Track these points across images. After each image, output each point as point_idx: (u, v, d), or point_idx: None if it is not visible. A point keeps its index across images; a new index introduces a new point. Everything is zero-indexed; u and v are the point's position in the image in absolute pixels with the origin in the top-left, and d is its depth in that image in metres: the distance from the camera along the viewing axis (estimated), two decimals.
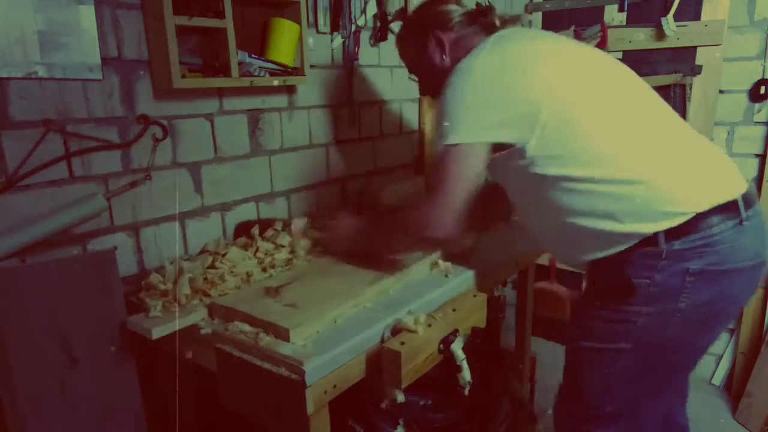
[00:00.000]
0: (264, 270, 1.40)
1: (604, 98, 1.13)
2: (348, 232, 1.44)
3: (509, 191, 1.29)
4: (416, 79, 1.49)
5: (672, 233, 1.04)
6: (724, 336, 2.47)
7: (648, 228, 1.05)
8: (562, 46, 1.21)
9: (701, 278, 1.05)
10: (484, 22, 1.28)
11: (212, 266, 1.39)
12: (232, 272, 1.36)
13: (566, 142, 1.09)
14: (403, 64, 1.48)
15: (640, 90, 1.19)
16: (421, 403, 1.63)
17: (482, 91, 1.12)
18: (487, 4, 1.35)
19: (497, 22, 1.27)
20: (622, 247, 1.09)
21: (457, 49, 1.27)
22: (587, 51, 1.23)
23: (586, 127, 1.09)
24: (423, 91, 1.51)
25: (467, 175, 1.12)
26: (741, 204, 1.07)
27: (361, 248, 1.40)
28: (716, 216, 1.04)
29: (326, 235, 1.52)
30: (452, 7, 1.32)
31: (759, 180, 2.28)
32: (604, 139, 1.09)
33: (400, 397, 1.31)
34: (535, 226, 1.29)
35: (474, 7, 1.33)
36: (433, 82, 1.30)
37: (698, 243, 1.04)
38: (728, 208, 1.06)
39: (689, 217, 1.04)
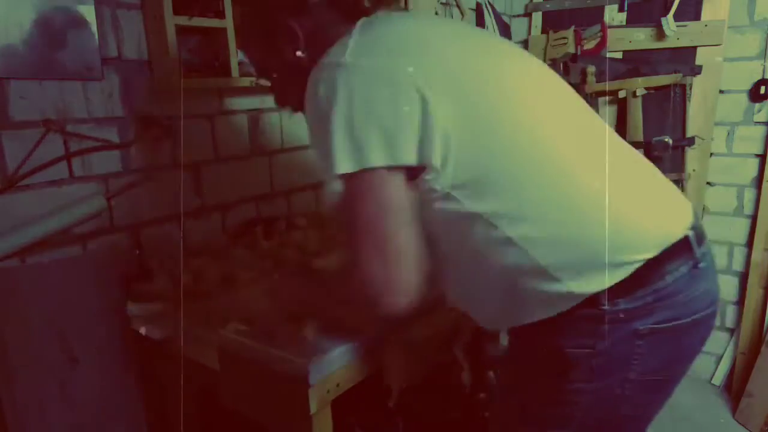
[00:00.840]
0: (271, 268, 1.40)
1: (522, 112, 0.84)
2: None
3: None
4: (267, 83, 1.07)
5: (616, 289, 0.80)
6: (724, 336, 2.48)
7: (588, 286, 0.80)
8: (454, 31, 0.92)
9: (652, 340, 0.83)
10: (348, 4, 0.94)
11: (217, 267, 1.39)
12: (233, 272, 1.36)
13: (481, 167, 0.81)
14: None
15: (562, 98, 0.91)
16: (422, 403, 1.63)
17: (366, 97, 0.77)
18: None
19: (366, 4, 0.93)
20: (554, 311, 0.83)
21: (316, 42, 0.90)
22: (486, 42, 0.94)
23: (503, 148, 0.81)
24: (278, 101, 1.07)
25: (390, 207, 0.78)
26: (693, 241, 0.84)
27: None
28: (669, 262, 0.82)
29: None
30: None
31: (759, 180, 2.28)
32: (526, 166, 0.81)
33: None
34: (455, 283, 0.95)
35: None
36: (287, 88, 1.01)
37: (648, 299, 0.81)
38: (680, 249, 0.83)
39: (637, 266, 0.80)
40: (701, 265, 0.85)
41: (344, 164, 0.77)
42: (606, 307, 0.80)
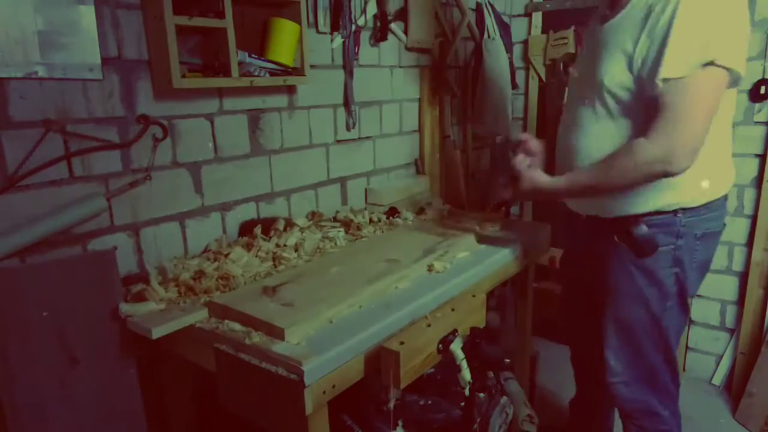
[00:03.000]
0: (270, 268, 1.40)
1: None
2: (541, 183, 1.37)
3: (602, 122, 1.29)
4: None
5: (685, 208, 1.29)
6: (724, 336, 2.48)
7: (688, 199, 1.28)
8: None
9: (702, 240, 1.31)
10: None
11: (217, 267, 1.39)
12: (233, 271, 1.36)
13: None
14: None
15: None
16: (421, 403, 1.63)
17: (740, 19, 1.15)
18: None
19: None
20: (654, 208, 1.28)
21: None
22: None
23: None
24: None
25: (715, 105, 1.15)
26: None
27: (563, 195, 1.42)
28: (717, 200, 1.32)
29: (522, 186, 1.40)
30: None
31: (759, 180, 2.28)
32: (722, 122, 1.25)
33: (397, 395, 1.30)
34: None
35: None
36: None
37: (702, 215, 1.30)
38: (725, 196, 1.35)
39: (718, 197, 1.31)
40: (725, 199, 1.35)
41: (721, 57, 1.12)
42: (681, 218, 1.28)
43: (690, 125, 1.13)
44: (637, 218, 1.29)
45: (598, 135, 1.30)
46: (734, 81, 1.17)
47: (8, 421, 1.13)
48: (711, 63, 1.11)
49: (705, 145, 1.16)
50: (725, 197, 1.35)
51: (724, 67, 1.12)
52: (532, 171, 1.40)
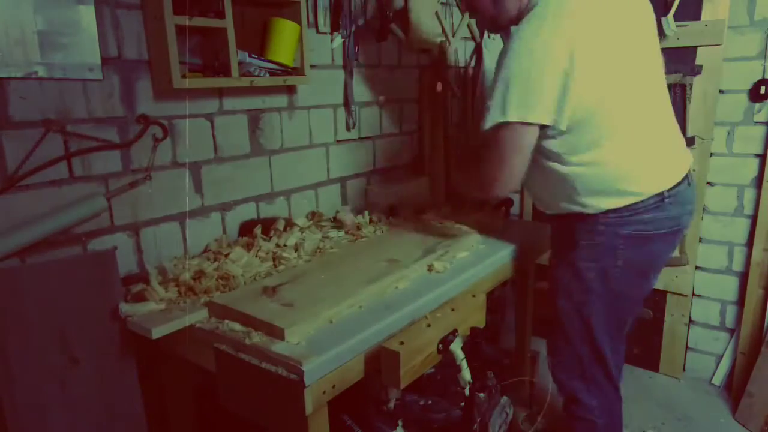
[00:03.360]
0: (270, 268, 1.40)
1: (630, 95, 1.29)
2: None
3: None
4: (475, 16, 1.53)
5: (613, 210, 1.33)
6: (724, 336, 2.48)
7: (604, 204, 1.33)
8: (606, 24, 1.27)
9: (628, 240, 1.34)
10: None
11: (217, 267, 1.39)
12: (233, 271, 1.36)
13: (589, 132, 1.27)
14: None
15: (648, 71, 1.35)
16: (421, 403, 1.63)
17: (540, 74, 1.20)
18: None
19: None
20: (576, 211, 1.37)
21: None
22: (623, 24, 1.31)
23: (601, 127, 1.27)
24: (481, 25, 1.60)
25: (525, 150, 1.27)
26: (665, 189, 1.34)
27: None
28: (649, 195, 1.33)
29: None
30: None
31: (759, 180, 2.27)
32: (607, 135, 1.28)
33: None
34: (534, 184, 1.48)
35: None
36: (490, 15, 1.41)
37: (625, 215, 1.33)
38: (659, 192, 1.34)
39: (640, 198, 1.32)
40: (666, 200, 1.33)
41: (512, 114, 1.22)
42: (601, 218, 1.34)
43: (492, 167, 1.29)
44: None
45: None
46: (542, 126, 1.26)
47: (8, 421, 1.13)
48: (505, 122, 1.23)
49: (612, 154, 1.29)
50: (661, 199, 1.33)
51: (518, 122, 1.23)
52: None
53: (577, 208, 1.37)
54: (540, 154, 1.33)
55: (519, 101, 1.20)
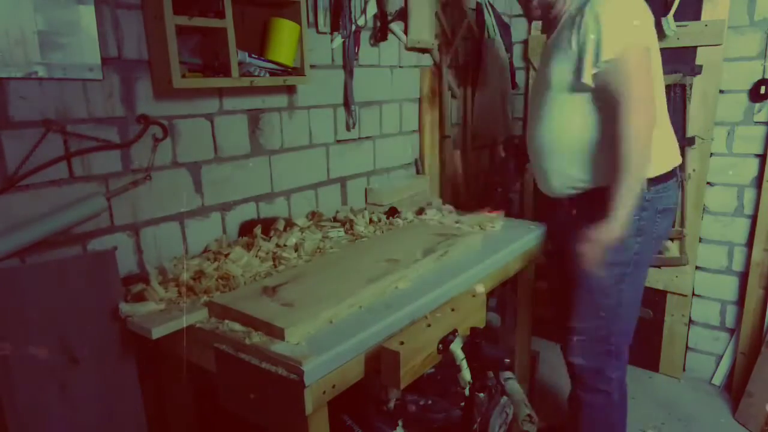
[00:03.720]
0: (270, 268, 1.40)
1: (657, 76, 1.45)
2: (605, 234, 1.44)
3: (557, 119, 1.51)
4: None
5: (652, 182, 1.46)
6: (724, 336, 2.48)
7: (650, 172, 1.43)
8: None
9: (662, 215, 1.51)
10: None
11: (216, 267, 1.39)
12: (233, 271, 1.36)
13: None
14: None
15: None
16: (421, 403, 1.63)
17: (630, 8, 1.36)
18: None
19: None
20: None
21: None
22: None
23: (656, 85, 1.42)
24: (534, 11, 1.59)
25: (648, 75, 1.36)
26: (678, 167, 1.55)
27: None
28: (671, 174, 1.51)
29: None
30: None
31: (759, 180, 2.27)
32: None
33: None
34: (564, 145, 1.52)
35: None
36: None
37: (661, 191, 1.48)
38: (675, 170, 1.53)
39: (668, 170, 1.49)
40: (678, 179, 1.56)
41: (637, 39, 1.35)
42: (644, 196, 1.45)
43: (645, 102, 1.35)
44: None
45: (556, 121, 1.52)
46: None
47: (8, 421, 1.13)
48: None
49: (659, 119, 1.42)
50: (675, 174, 1.53)
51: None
52: (593, 232, 1.44)
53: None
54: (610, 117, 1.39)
55: (626, 25, 1.32)
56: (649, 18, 1.41)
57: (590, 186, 1.51)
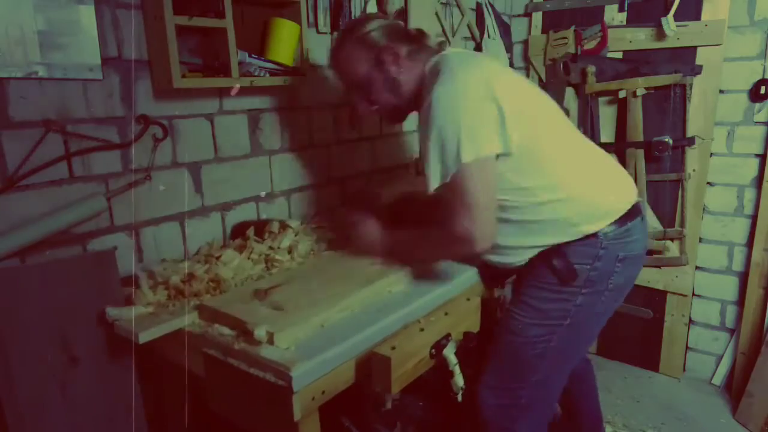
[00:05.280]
0: (262, 271, 1.39)
1: (553, 127, 1.31)
2: (375, 241, 1.42)
3: None
4: (356, 96, 1.42)
5: (605, 230, 1.28)
6: (724, 336, 2.48)
7: (592, 228, 1.26)
8: (510, 77, 1.31)
9: (624, 263, 1.30)
10: (423, 42, 1.37)
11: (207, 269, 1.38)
12: (224, 274, 1.34)
13: (533, 166, 1.24)
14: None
15: (562, 116, 1.37)
16: (419, 404, 1.63)
17: (476, 110, 1.18)
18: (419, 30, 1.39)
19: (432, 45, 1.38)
20: (568, 239, 1.27)
21: (412, 65, 1.33)
22: (524, 81, 1.37)
23: (546, 155, 1.26)
24: (384, 113, 1.45)
25: (491, 186, 1.20)
26: (641, 204, 1.35)
27: (389, 256, 1.41)
28: (631, 215, 1.30)
29: (353, 241, 1.47)
30: (399, 22, 1.39)
31: (759, 180, 2.28)
32: (557, 163, 1.27)
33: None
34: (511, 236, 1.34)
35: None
36: (387, 100, 1.37)
37: (622, 236, 1.28)
38: (636, 208, 1.33)
39: (619, 215, 1.28)
40: (644, 219, 1.35)
41: (465, 155, 1.16)
42: (600, 240, 1.26)
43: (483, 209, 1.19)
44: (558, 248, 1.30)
45: None
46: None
47: (8, 421, 1.13)
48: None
49: (571, 178, 1.27)
50: (635, 214, 1.32)
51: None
52: (365, 224, 1.44)
53: (570, 235, 1.27)
54: (516, 202, 1.26)
55: (467, 142, 1.15)
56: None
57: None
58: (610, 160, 1.41)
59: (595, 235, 1.26)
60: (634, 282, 1.39)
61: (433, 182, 1.20)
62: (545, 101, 1.34)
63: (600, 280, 1.29)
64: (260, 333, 1.03)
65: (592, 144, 1.40)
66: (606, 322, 1.41)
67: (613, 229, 1.27)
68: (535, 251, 1.31)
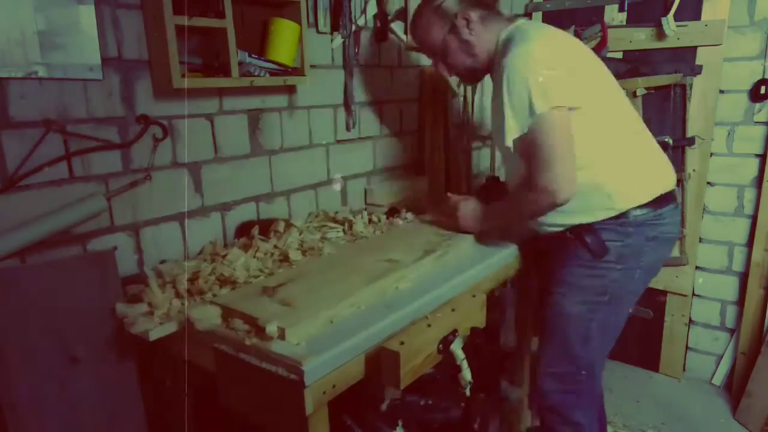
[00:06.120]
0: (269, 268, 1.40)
1: (611, 99, 1.41)
2: (474, 215, 1.58)
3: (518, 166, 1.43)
4: (435, 59, 1.55)
5: (637, 209, 1.38)
6: (724, 336, 2.48)
7: (624, 204, 1.37)
8: (580, 47, 1.43)
9: (654, 243, 1.40)
10: (494, 7, 1.49)
11: (213, 268, 1.39)
12: (231, 272, 1.35)
13: (588, 132, 1.33)
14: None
15: (619, 90, 1.46)
16: (422, 403, 1.63)
17: (547, 68, 1.27)
18: None
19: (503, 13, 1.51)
20: (603, 217, 1.38)
21: (484, 30, 1.44)
22: (590, 54, 1.45)
23: (602, 124, 1.36)
24: (461, 73, 1.56)
25: (567, 137, 1.28)
26: (677, 190, 1.45)
27: (489, 227, 1.58)
28: (665, 200, 1.40)
29: (453, 218, 1.62)
30: None
31: (759, 180, 2.28)
32: (608, 135, 1.37)
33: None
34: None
35: None
36: (463, 61, 1.48)
37: (653, 215, 1.38)
38: (671, 194, 1.42)
39: (653, 198, 1.38)
40: (678, 206, 1.45)
41: (542, 104, 1.26)
42: (631, 219, 1.37)
43: (560, 160, 1.29)
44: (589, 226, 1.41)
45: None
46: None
47: (8, 421, 1.13)
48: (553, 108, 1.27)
49: (611, 157, 1.37)
50: (669, 201, 1.42)
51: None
52: (466, 202, 1.59)
53: (603, 214, 1.38)
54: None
55: (539, 96, 1.25)
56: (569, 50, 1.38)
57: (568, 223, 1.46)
58: (654, 144, 1.48)
59: (625, 214, 1.36)
60: (661, 265, 1.49)
61: (508, 136, 1.31)
62: (606, 75, 1.43)
63: (632, 256, 1.39)
64: (272, 329, 1.04)
65: (641, 124, 1.48)
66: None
67: (645, 212, 1.37)
68: (568, 221, 1.41)
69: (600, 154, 1.36)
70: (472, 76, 1.56)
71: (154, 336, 1.13)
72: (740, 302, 2.39)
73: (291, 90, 1.78)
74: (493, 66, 1.45)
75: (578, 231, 1.40)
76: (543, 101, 1.25)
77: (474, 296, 1.36)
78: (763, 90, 2.20)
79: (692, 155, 2.36)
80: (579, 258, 1.42)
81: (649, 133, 1.49)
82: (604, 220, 1.38)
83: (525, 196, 1.38)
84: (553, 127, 1.27)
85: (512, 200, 1.50)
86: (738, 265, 2.39)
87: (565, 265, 1.46)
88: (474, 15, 1.43)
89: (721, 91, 2.31)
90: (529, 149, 1.31)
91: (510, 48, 1.33)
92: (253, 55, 1.54)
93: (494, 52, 1.44)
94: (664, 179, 1.44)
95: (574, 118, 1.30)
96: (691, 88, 2.29)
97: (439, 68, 1.55)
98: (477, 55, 1.46)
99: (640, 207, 1.37)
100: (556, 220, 1.43)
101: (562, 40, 1.38)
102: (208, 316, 1.20)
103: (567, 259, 1.46)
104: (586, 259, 1.41)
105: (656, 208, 1.38)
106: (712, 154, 2.37)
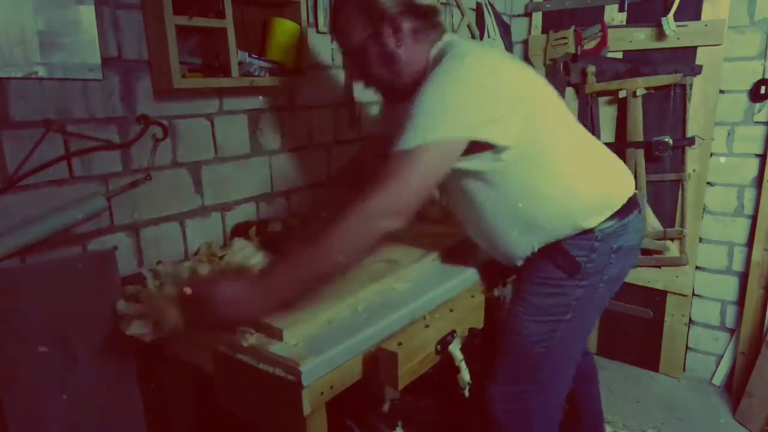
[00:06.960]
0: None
1: (555, 119, 1.29)
2: (243, 299, 1.02)
3: (452, 194, 1.33)
4: (348, 63, 1.36)
5: (604, 222, 1.28)
6: (724, 336, 2.48)
7: (591, 222, 1.27)
8: (517, 66, 1.29)
9: (618, 254, 1.30)
10: (432, 19, 1.25)
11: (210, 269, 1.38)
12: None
13: (533, 160, 1.22)
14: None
15: (563, 107, 1.35)
16: (420, 404, 1.63)
17: (472, 93, 1.11)
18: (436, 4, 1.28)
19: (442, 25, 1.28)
20: (567, 233, 1.28)
21: (414, 43, 1.22)
22: (530, 72, 1.31)
23: (547, 148, 1.24)
24: (377, 87, 1.33)
25: (438, 172, 1.11)
26: (638, 196, 1.36)
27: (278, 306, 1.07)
28: (628, 209, 1.31)
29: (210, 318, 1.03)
30: None
31: (759, 180, 2.27)
32: (558, 157, 1.26)
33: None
34: (486, 224, 1.32)
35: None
36: (380, 74, 1.25)
37: (618, 228, 1.28)
38: (633, 201, 1.33)
39: (617, 209, 1.29)
40: (641, 211, 1.36)
41: (431, 133, 1.08)
42: (596, 233, 1.27)
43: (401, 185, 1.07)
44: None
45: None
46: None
47: (8, 421, 1.13)
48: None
49: (569, 175, 1.26)
50: (632, 208, 1.32)
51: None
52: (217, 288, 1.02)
53: (569, 231, 1.27)
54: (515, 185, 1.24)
55: (443, 121, 1.09)
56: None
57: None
58: (607, 152, 1.40)
59: (591, 229, 1.27)
60: (626, 275, 1.39)
61: (399, 144, 1.08)
62: (549, 92, 1.30)
63: (596, 272, 1.29)
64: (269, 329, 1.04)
65: (590, 136, 1.39)
66: (601, 315, 1.44)
67: (611, 224, 1.28)
68: (535, 247, 1.31)
69: (560, 171, 1.26)
70: (390, 94, 1.33)
71: (149, 338, 1.13)
72: (740, 302, 2.39)
73: (291, 90, 1.78)
74: (418, 84, 1.16)
75: (545, 251, 1.30)
76: (442, 129, 1.08)
77: (472, 297, 1.36)
78: (763, 90, 2.20)
79: (692, 155, 2.36)
80: (543, 276, 1.31)
81: (598, 140, 1.41)
82: (569, 237, 1.27)
83: (350, 225, 1.04)
84: (433, 157, 1.08)
85: (329, 239, 1.04)
86: (738, 265, 2.39)
87: (529, 282, 1.34)
88: (406, 24, 1.19)
89: (721, 91, 2.31)
90: (394, 163, 1.07)
91: (441, 63, 1.15)
92: (253, 55, 1.54)
93: (423, 66, 1.23)
94: (625, 185, 1.35)
95: (517, 146, 1.17)
96: (691, 88, 2.29)
97: (351, 74, 1.33)
98: (399, 71, 1.23)
99: (606, 220, 1.27)
100: (522, 245, 1.31)
101: (498, 62, 1.22)
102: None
103: (530, 278, 1.34)
104: (550, 277, 1.30)
105: (621, 218, 1.29)
106: (712, 154, 2.37)
